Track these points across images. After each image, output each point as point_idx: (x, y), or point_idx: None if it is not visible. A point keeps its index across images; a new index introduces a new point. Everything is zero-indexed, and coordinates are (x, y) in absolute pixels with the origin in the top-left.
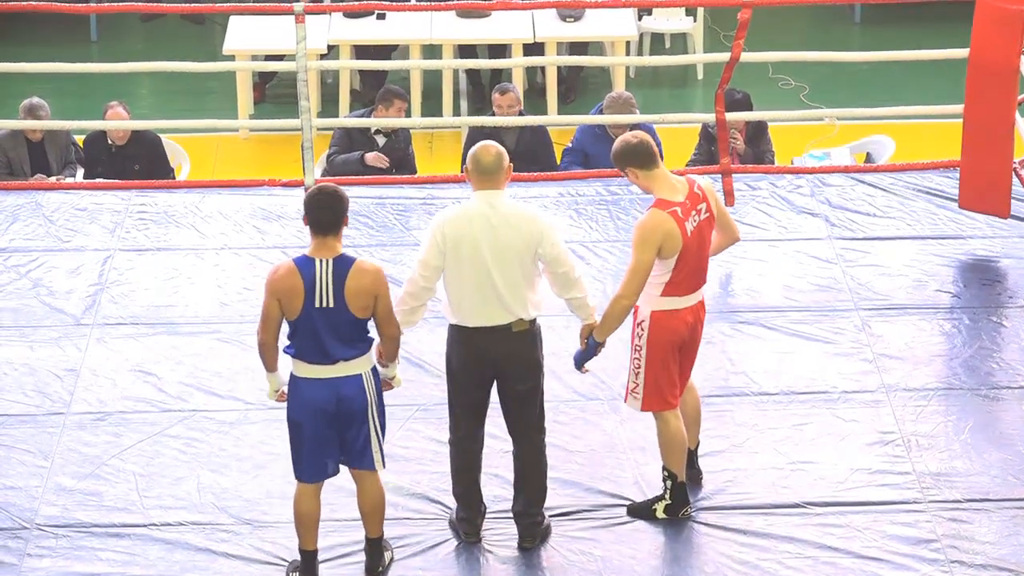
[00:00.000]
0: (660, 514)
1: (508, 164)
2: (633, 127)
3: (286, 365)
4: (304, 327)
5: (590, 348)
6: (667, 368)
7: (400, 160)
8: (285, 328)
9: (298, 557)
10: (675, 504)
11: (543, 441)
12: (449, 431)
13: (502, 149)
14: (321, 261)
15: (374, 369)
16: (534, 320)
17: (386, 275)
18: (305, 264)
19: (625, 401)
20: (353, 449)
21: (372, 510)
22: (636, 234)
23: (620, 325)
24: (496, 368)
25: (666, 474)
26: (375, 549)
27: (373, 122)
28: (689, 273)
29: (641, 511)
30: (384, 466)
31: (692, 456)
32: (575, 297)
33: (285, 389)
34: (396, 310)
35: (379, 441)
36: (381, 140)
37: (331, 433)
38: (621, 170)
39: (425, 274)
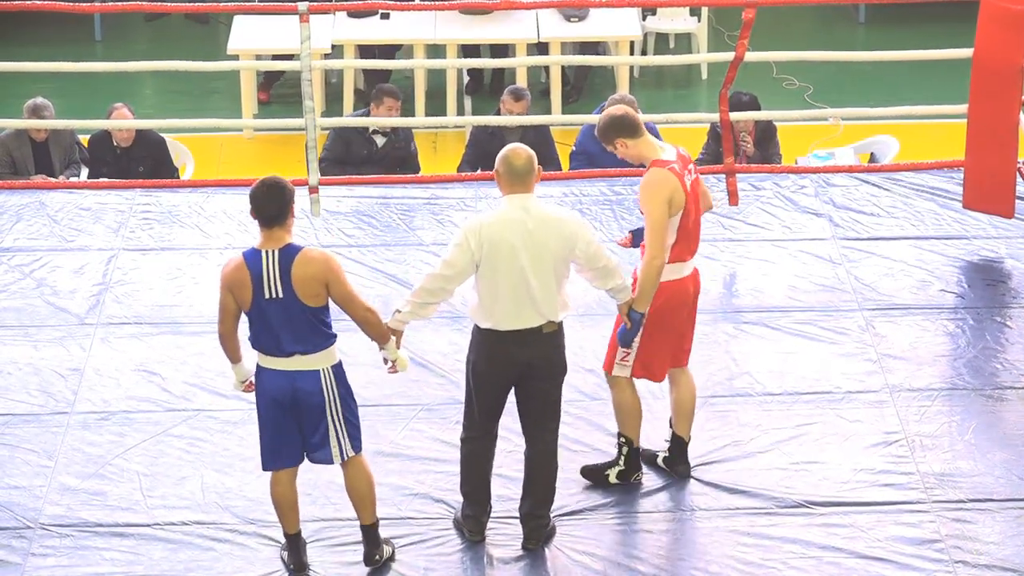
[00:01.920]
0: (612, 479)
1: (538, 167)
2: None
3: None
4: (257, 319)
5: (635, 322)
6: (664, 339)
7: (402, 159)
8: None
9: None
10: (628, 470)
11: (555, 443)
12: (463, 429)
13: (532, 152)
14: (267, 253)
15: (336, 367)
16: (561, 322)
17: (385, 273)
18: (252, 256)
19: (607, 370)
20: (310, 442)
21: (360, 497)
22: (643, 194)
23: (656, 288)
24: (524, 369)
25: (622, 440)
26: (371, 537)
27: (375, 121)
28: (687, 235)
29: (594, 474)
30: (345, 459)
31: (683, 449)
32: (616, 284)
33: (252, 380)
34: (407, 300)
35: (340, 436)
36: (380, 140)
37: (289, 423)
38: (609, 144)
39: (448, 274)
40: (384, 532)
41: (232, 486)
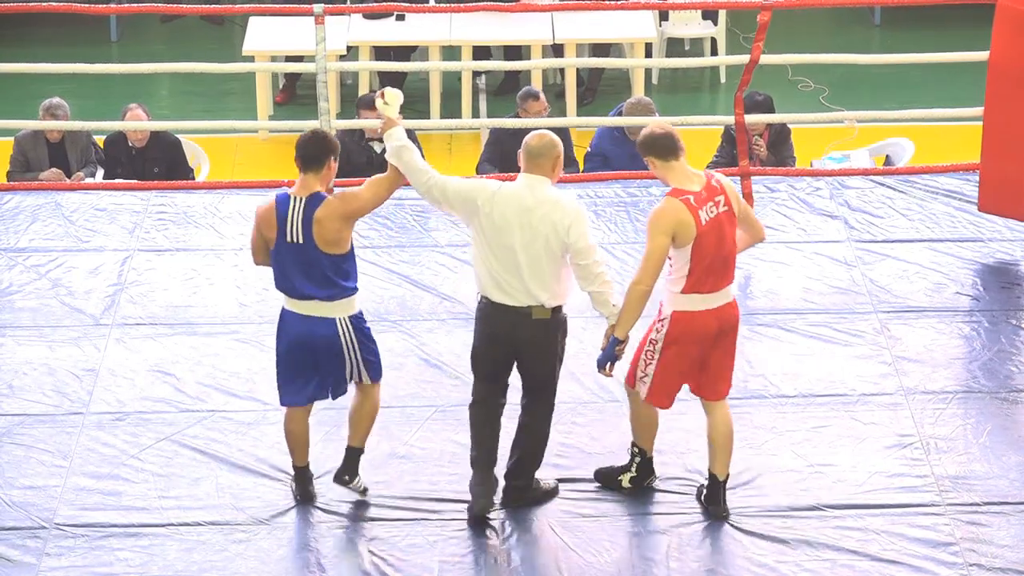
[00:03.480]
0: (625, 484)
1: (557, 155)
2: None
3: None
4: (278, 261)
5: (610, 346)
6: (677, 370)
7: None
8: None
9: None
10: (639, 476)
11: (542, 421)
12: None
13: (556, 141)
14: (295, 199)
15: (355, 317)
16: (556, 309)
17: (400, 274)
18: (282, 200)
19: (629, 383)
20: (326, 384)
21: (359, 419)
22: (649, 221)
23: (639, 314)
24: (513, 350)
25: (636, 449)
26: (351, 459)
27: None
28: (709, 268)
29: (607, 478)
30: (360, 382)
31: (716, 487)
32: (596, 291)
33: None
34: (402, 138)
35: (358, 368)
36: (378, 146)
37: (306, 364)
38: (643, 158)
39: (443, 186)
40: (397, 533)
41: (247, 487)
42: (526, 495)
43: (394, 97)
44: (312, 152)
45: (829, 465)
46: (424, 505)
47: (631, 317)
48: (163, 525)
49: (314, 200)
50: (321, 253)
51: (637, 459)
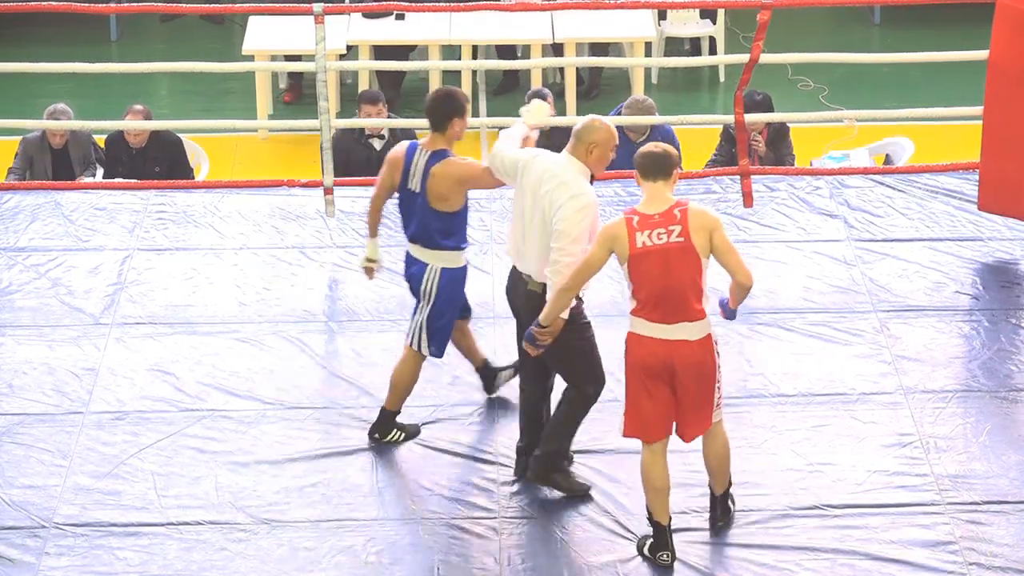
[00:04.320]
0: (645, 551)
1: (592, 142)
2: (656, 131)
3: None
4: (399, 203)
5: (530, 332)
6: (645, 396)
7: None
8: None
9: None
10: (656, 544)
11: (539, 396)
12: None
13: (600, 128)
14: (421, 151)
15: (447, 271)
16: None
17: (400, 273)
18: (412, 148)
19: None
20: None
21: (395, 383)
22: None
23: (558, 308)
24: (516, 316)
25: (647, 512)
26: (383, 418)
27: (387, 122)
28: (654, 296)
29: (639, 542)
30: (421, 351)
31: (713, 503)
32: (548, 278)
33: (374, 266)
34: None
35: (419, 328)
36: (378, 143)
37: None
38: None
39: (500, 155)
40: (397, 532)
41: (246, 486)
42: (538, 471)
43: (538, 109)
44: (435, 113)
45: (829, 464)
46: (425, 504)
47: (551, 310)
48: (163, 524)
49: (436, 156)
50: (429, 206)
51: (649, 523)
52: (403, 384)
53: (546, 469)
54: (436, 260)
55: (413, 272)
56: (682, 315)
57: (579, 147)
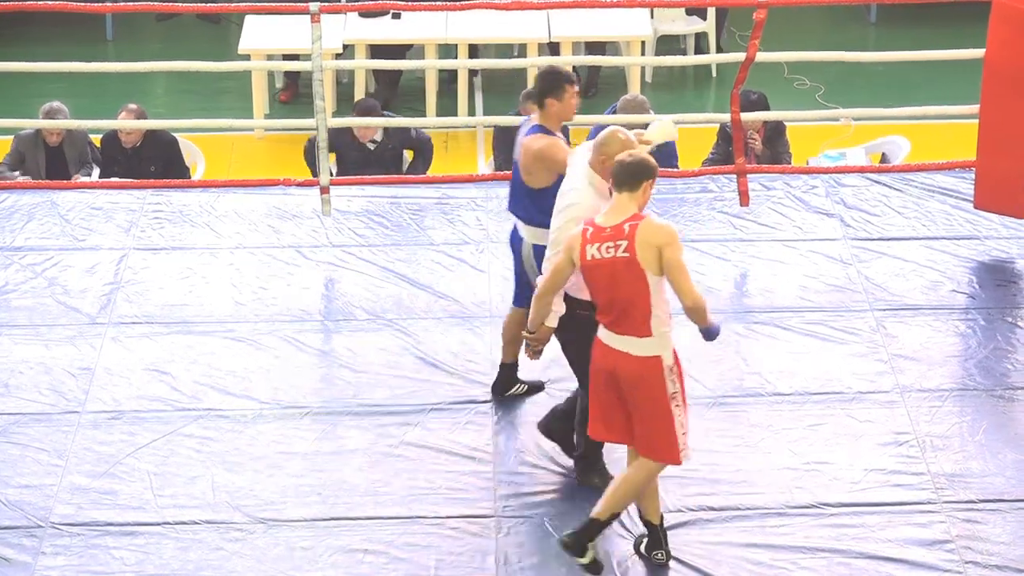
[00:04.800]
0: (641, 550)
1: (605, 156)
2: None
3: None
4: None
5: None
6: (598, 398)
7: (394, 160)
8: None
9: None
10: (651, 544)
11: (568, 398)
12: None
13: (618, 142)
14: (526, 122)
15: (537, 248)
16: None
17: (396, 272)
18: (525, 123)
19: None
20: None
21: (508, 337)
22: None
23: (540, 318)
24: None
25: (639, 513)
26: (503, 372)
27: (382, 121)
28: (602, 304)
29: (635, 541)
30: (514, 303)
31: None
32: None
33: None
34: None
35: (518, 290)
36: (371, 145)
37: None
38: None
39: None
40: (394, 531)
41: (243, 485)
42: (578, 473)
43: (662, 127)
44: (535, 90)
45: (825, 463)
46: (421, 504)
47: (533, 314)
48: (159, 524)
49: (531, 129)
50: (520, 178)
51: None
52: (515, 336)
53: (583, 471)
54: (530, 236)
55: (513, 243)
56: (627, 328)
57: (595, 158)
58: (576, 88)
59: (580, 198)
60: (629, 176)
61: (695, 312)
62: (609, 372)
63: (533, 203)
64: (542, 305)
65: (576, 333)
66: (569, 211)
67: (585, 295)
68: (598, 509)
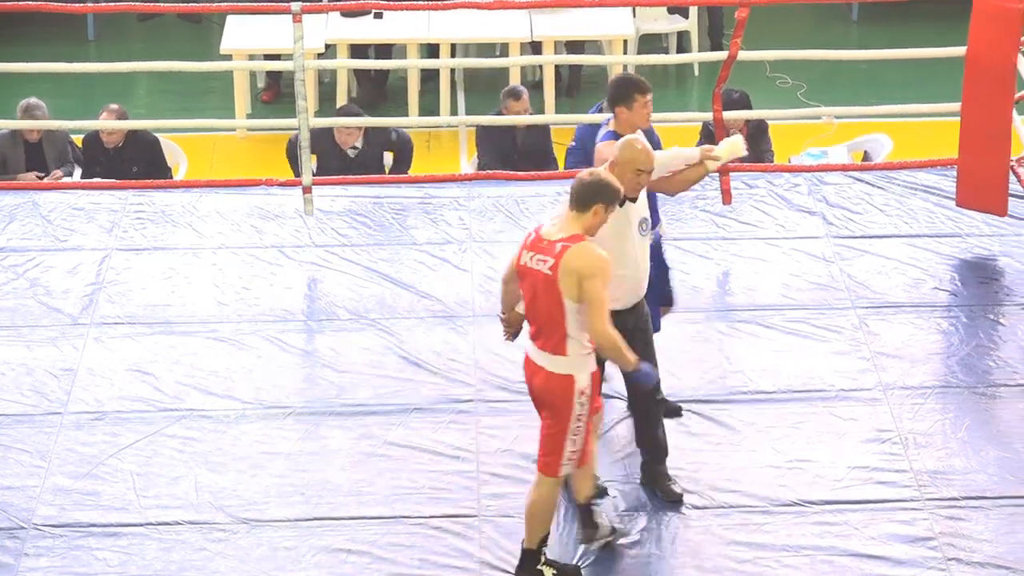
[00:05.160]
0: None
1: (612, 162)
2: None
3: None
4: None
5: None
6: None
7: (375, 164)
8: None
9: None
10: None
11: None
12: None
13: (624, 147)
14: (603, 124)
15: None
16: None
17: (379, 272)
18: (603, 125)
19: None
20: None
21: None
22: None
23: (506, 302)
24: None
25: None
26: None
27: (366, 121)
28: (526, 311)
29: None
30: None
31: (524, 556)
32: None
33: None
34: None
35: None
36: (352, 152)
37: None
38: None
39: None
40: (375, 531)
41: (226, 485)
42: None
43: (732, 145)
44: (607, 96)
45: (808, 461)
46: (404, 504)
47: (501, 298)
48: (142, 524)
49: (604, 135)
50: None
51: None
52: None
53: (645, 475)
54: None
55: None
56: (546, 343)
57: (610, 164)
58: (647, 97)
59: None
60: (580, 195)
61: (605, 350)
62: (528, 383)
63: None
64: (506, 291)
65: None
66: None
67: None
68: (525, 540)
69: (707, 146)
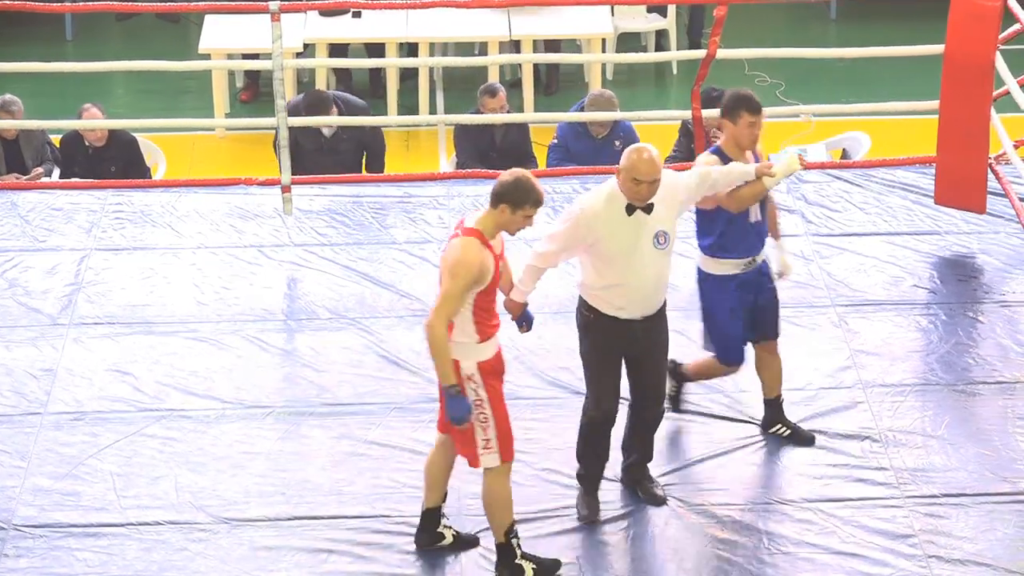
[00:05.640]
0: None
1: (618, 169)
2: (618, 127)
3: None
4: None
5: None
6: None
7: (351, 150)
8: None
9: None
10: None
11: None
12: None
13: (627, 155)
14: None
15: (699, 271)
16: (580, 299)
17: (358, 271)
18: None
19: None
20: None
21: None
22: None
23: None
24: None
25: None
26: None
27: (343, 120)
28: None
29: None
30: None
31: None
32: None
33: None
34: None
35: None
36: (327, 131)
37: None
38: None
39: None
40: (356, 530)
41: (206, 485)
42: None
43: (789, 161)
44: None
45: (788, 458)
46: (384, 502)
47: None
48: (122, 525)
49: (710, 149)
50: None
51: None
52: (703, 372)
53: (628, 476)
54: (698, 258)
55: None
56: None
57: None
58: (756, 118)
59: (582, 201)
60: (492, 192)
61: (429, 347)
62: None
63: (698, 222)
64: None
65: (587, 339)
66: (571, 214)
67: (593, 300)
68: (493, 536)
69: (765, 162)
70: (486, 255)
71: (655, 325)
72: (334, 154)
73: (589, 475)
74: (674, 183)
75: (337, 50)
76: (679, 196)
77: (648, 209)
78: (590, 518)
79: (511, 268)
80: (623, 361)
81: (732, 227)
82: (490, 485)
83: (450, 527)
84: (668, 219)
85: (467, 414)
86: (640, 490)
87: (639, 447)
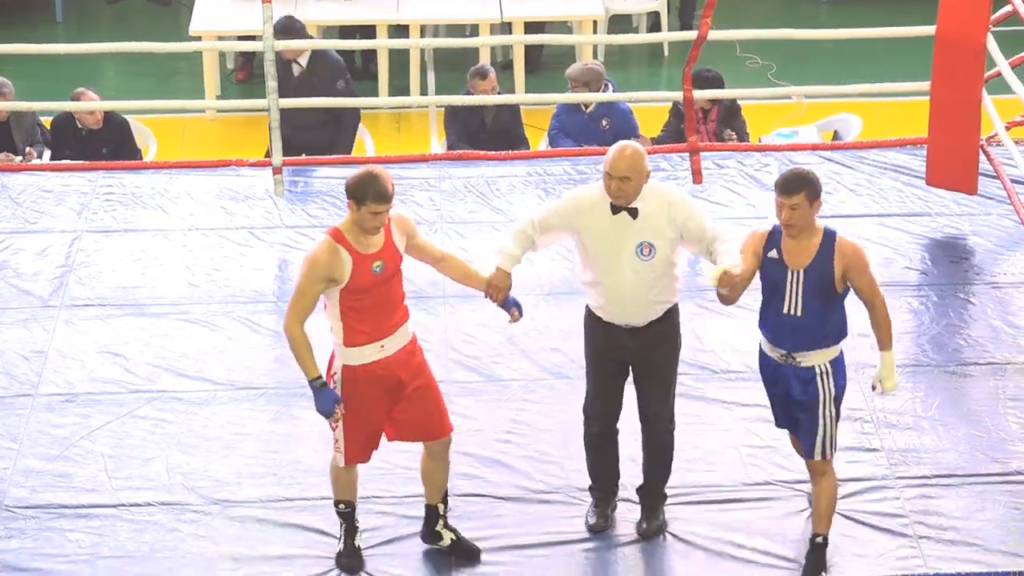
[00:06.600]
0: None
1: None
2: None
3: None
4: None
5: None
6: None
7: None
8: None
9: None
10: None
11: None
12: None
13: (612, 155)
14: None
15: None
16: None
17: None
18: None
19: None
20: None
21: None
22: None
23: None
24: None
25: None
26: None
27: (335, 102)
28: None
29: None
30: None
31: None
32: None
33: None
34: None
35: None
36: (296, 69)
37: None
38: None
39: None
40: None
41: (197, 467)
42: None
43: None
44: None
45: (780, 440)
46: (376, 484)
47: None
48: (114, 506)
49: None
50: None
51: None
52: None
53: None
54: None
55: None
56: None
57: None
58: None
59: (577, 189)
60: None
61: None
62: None
63: None
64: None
65: (583, 327)
66: (567, 193)
67: (586, 293)
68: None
69: (735, 265)
70: (340, 254)
71: (646, 342)
72: (306, 92)
73: (595, 485)
74: (678, 202)
75: (329, 32)
76: (677, 218)
77: (633, 214)
78: (595, 528)
79: (469, 264)
80: (621, 370)
81: (765, 308)
82: (333, 467)
83: (452, 530)
84: (659, 233)
85: (332, 406)
86: (641, 515)
87: (645, 469)
